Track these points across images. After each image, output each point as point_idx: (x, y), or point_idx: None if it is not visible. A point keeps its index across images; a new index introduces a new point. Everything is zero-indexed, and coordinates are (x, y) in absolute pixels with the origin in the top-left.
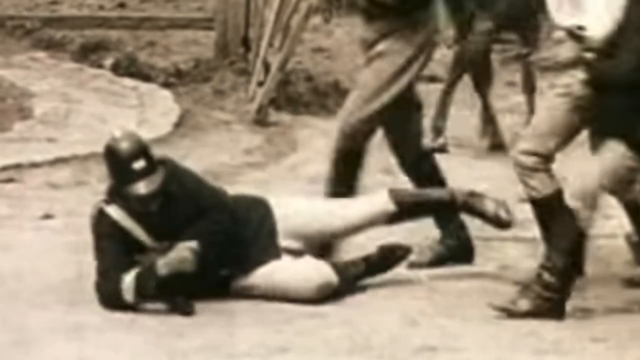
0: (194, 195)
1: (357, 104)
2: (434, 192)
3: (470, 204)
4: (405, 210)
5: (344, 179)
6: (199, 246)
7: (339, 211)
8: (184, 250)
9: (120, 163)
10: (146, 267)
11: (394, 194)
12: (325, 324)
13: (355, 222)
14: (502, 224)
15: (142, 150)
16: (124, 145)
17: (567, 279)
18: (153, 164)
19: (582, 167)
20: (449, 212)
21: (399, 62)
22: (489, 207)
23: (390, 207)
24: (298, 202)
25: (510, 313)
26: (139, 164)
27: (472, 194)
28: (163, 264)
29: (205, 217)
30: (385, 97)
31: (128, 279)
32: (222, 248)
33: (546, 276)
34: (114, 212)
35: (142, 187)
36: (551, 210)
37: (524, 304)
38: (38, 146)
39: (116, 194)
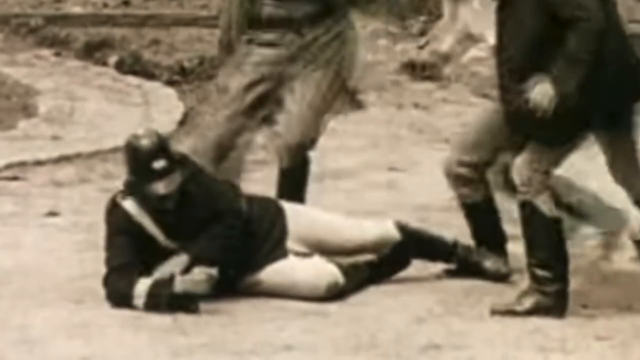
0: (211, 197)
1: (300, 118)
2: (438, 236)
3: (470, 259)
4: (409, 242)
5: (295, 195)
6: (214, 250)
7: (346, 230)
8: (202, 275)
9: (140, 161)
10: (163, 280)
11: (400, 225)
12: (331, 322)
13: (359, 243)
14: (499, 278)
15: (162, 149)
16: (145, 143)
17: (559, 268)
18: (173, 164)
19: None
20: (448, 259)
21: (338, 71)
22: (488, 265)
23: (396, 235)
24: (309, 212)
25: (514, 314)
26: (159, 164)
27: (474, 251)
28: (180, 281)
29: (220, 221)
30: (329, 108)
31: (142, 286)
32: (234, 250)
33: (537, 271)
34: (130, 206)
35: (161, 188)
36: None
37: (526, 303)
38: (42, 144)
39: (133, 189)
